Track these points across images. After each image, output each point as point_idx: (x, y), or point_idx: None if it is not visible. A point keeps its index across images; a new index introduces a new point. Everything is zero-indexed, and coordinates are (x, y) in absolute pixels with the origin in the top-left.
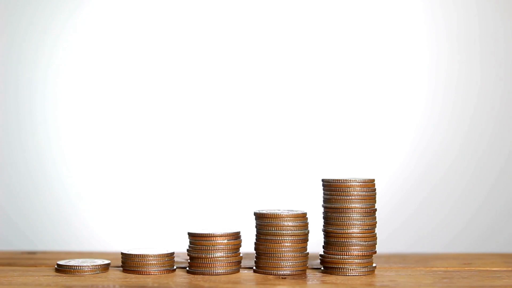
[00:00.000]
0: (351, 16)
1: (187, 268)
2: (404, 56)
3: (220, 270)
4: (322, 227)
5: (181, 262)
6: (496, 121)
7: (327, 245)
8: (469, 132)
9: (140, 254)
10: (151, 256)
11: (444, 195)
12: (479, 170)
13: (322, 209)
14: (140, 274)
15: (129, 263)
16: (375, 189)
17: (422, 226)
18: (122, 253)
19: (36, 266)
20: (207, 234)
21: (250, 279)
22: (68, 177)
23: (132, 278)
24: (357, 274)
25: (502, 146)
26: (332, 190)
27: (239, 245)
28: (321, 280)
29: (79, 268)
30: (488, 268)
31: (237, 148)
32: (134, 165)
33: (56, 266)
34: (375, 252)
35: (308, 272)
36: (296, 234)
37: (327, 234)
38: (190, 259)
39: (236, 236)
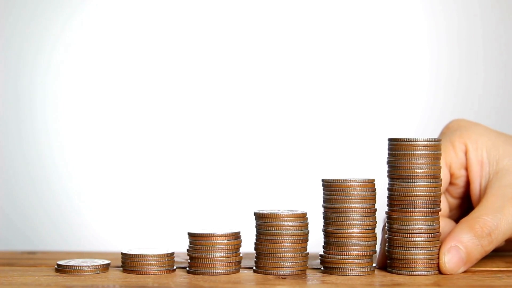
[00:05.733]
0: (352, 18)
1: (187, 268)
2: (404, 57)
3: (220, 270)
4: (322, 227)
5: (181, 262)
6: (497, 122)
7: (327, 245)
8: None
9: (140, 254)
10: (151, 256)
11: None
12: None
13: (322, 209)
14: (140, 274)
15: (129, 263)
16: (375, 189)
17: None
18: (122, 253)
19: (36, 266)
20: (207, 234)
21: (250, 279)
22: (68, 177)
23: (132, 278)
24: (357, 274)
25: None
26: (332, 190)
27: (239, 245)
28: (321, 280)
29: (79, 268)
30: (488, 268)
31: (237, 149)
32: (134, 165)
33: (56, 266)
34: (375, 252)
35: (308, 272)
36: (296, 234)
37: (327, 234)
38: (190, 259)
39: (236, 236)
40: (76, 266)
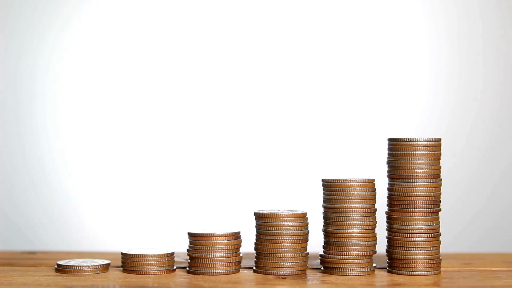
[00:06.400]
0: (353, 18)
1: (187, 268)
2: (404, 56)
3: (220, 270)
4: (322, 227)
5: (181, 262)
6: (497, 122)
7: (327, 245)
8: (471, 133)
9: (140, 254)
10: (151, 256)
11: (444, 195)
12: (480, 171)
13: (322, 209)
14: (140, 274)
15: (129, 263)
16: (375, 189)
17: None
18: (122, 253)
19: (36, 266)
20: (207, 234)
21: (250, 279)
22: (68, 177)
23: (132, 278)
24: (357, 274)
25: (504, 148)
26: (332, 190)
27: (239, 245)
28: (321, 280)
29: (79, 268)
30: (488, 268)
31: (237, 149)
32: (134, 165)
33: (56, 266)
34: (375, 252)
35: (308, 272)
36: (296, 234)
37: (327, 234)
38: (190, 259)
39: (236, 236)
40: (76, 266)
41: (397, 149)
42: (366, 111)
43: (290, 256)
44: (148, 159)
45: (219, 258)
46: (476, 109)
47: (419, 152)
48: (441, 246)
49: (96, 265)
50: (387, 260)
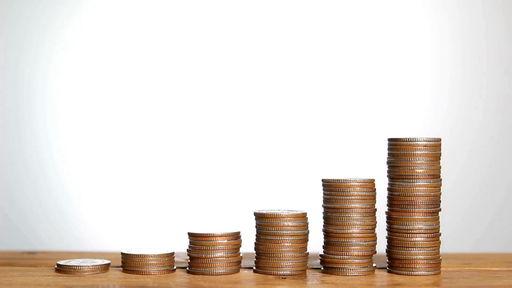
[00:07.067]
0: (353, 16)
1: (187, 268)
2: (406, 57)
3: (220, 270)
4: (322, 227)
5: (181, 262)
6: (501, 123)
7: (327, 245)
8: (473, 134)
9: (140, 254)
10: (151, 256)
11: (445, 195)
12: (481, 171)
13: (322, 209)
14: (140, 274)
15: (129, 263)
16: (375, 189)
17: None
18: (122, 253)
19: (36, 266)
20: (207, 234)
21: (250, 279)
22: (67, 177)
23: (132, 278)
24: (357, 274)
25: (506, 148)
26: (332, 190)
27: (239, 245)
28: (321, 280)
29: (79, 268)
30: (488, 268)
31: (237, 149)
32: (134, 165)
33: (56, 266)
34: (375, 252)
35: (308, 272)
36: (296, 234)
37: (327, 234)
38: (190, 259)
39: (236, 236)
40: (76, 266)
41: (397, 149)
42: (366, 111)
43: (290, 256)
44: (148, 159)
45: (219, 258)
46: (480, 109)
47: (419, 152)
48: (441, 246)
49: (96, 265)
50: (387, 260)
